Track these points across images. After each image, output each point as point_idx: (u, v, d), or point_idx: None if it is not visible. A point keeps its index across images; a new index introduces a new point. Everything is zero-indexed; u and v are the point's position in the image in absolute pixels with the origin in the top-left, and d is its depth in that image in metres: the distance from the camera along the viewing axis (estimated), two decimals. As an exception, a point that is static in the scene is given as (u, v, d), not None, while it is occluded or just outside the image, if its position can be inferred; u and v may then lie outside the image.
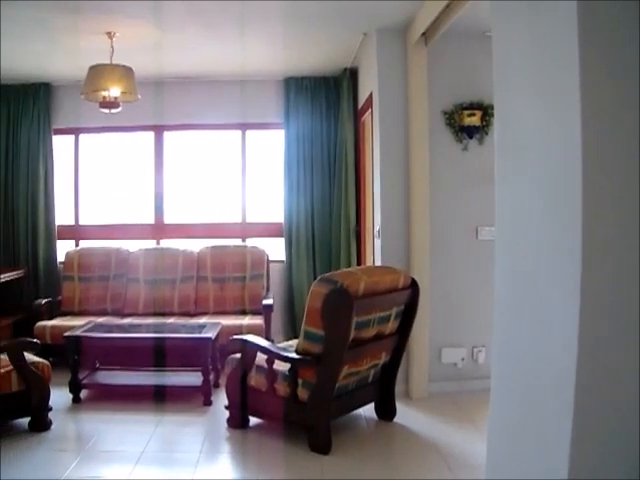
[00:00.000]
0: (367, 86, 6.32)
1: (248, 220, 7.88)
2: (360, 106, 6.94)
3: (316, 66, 7.10)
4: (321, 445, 4.31)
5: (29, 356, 4.91)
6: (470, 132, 5.59)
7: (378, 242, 5.79)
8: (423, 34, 5.19)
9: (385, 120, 5.62)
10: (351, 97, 7.19)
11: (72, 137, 7.92)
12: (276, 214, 7.73)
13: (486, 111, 5.54)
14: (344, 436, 4.63)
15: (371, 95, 6.00)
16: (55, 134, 7.71)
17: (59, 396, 5.35)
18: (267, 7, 5.08)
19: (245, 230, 7.87)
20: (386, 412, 5.01)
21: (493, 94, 2.82)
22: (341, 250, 7.21)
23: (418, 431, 4.79)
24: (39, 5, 4.96)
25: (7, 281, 7.07)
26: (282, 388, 4.53)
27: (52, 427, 4.90)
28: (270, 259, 7.46)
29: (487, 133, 5.59)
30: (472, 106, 5.58)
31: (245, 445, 4.62)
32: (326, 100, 7.46)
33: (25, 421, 4.85)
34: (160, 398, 5.50)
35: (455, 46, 5.54)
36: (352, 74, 7.18)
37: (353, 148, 7.15)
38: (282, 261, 7.65)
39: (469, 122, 5.56)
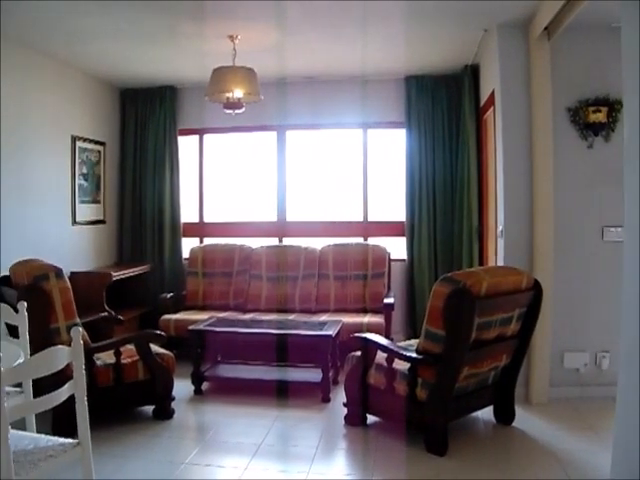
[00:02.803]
0: (489, 83, 6.21)
1: (370, 219, 7.90)
2: (482, 104, 6.82)
3: (437, 64, 7.03)
4: (438, 446, 4.28)
5: (154, 347, 5.14)
6: (595, 129, 5.38)
7: (501, 242, 5.68)
8: (545, 28, 5.05)
9: (507, 118, 5.51)
10: (472, 95, 7.07)
11: (196, 137, 8.21)
12: (398, 213, 7.72)
13: (613, 107, 5.31)
14: (461, 438, 4.58)
15: (493, 92, 5.90)
16: (180, 135, 8.03)
17: (182, 387, 5.58)
18: (388, 6, 5.08)
19: (367, 228, 7.89)
20: (505, 416, 4.90)
21: (621, 89, 2.72)
22: (463, 250, 7.12)
23: (537, 437, 4.66)
24: (167, 11, 5.17)
25: (134, 276, 7.44)
26: (401, 387, 4.51)
27: (174, 416, 5.12)
28: (391, 258, 7.45)
29: (614, 130, 5.36)
30: (597, 102, 5.36)
31: (361, 443, 4.63)
32: (447, 98, 7.38)
33: (150, 409, 5.11)
34: (279, 393, 5.63)
35: (579, 39, 5.34)
36: (473, 71, 7.07)
37: (475, 147, 7.02)
38: (403, 260, 7.63)
39: (594, 119, 5.35)
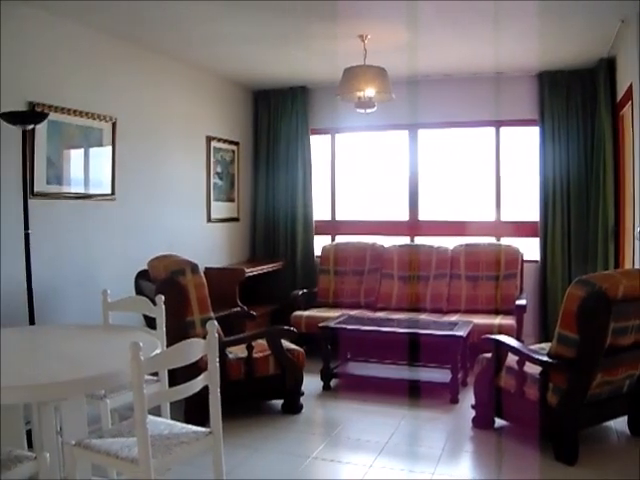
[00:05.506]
0: (626, 77, 5.94)
1: (502, 218, 7.76)
2: (619, 99, 6.56)
3: (570, 58, 6.80)
4: (567, 455, 4.15)
5: (285, 343, 5.28)
6: None
7: (638, 244, 5.46)
8: (689, 15, 4.80)
9: (647, 113, 5.29)
10: (608, 90, 6.82)
11: (328, 136, 8.34)
12: (531, 213, 7.55)
13: None
14: (591, 448, 4.39)
15: (631, 87, 5.63)
16: (312, 134, 8.17)
17: (310, 382, 5.69)
18: (520, 3, 4.97)
19: (499, 228, 7.75)
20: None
21: None
22: (598, 251, 6.88)
23: (675, 452, 4.40)
24: (296, 13, 5.28)
25: (267, 272, 7.65)
26: (531, 391, 4.41)
27: (303, 411, 5.26)
28: (524, 259, 7.28)
29: None
30: None
31: (488, 446, 4.56)
32: (582, 93, 7.14)
33: (279, 403, 5.28)
34: (407, 392, 5.64)
35: None
36: (609, 65, 6.81)
37: (611, 144, 6.76)
38: (536, 261, 7.47)
39: None
